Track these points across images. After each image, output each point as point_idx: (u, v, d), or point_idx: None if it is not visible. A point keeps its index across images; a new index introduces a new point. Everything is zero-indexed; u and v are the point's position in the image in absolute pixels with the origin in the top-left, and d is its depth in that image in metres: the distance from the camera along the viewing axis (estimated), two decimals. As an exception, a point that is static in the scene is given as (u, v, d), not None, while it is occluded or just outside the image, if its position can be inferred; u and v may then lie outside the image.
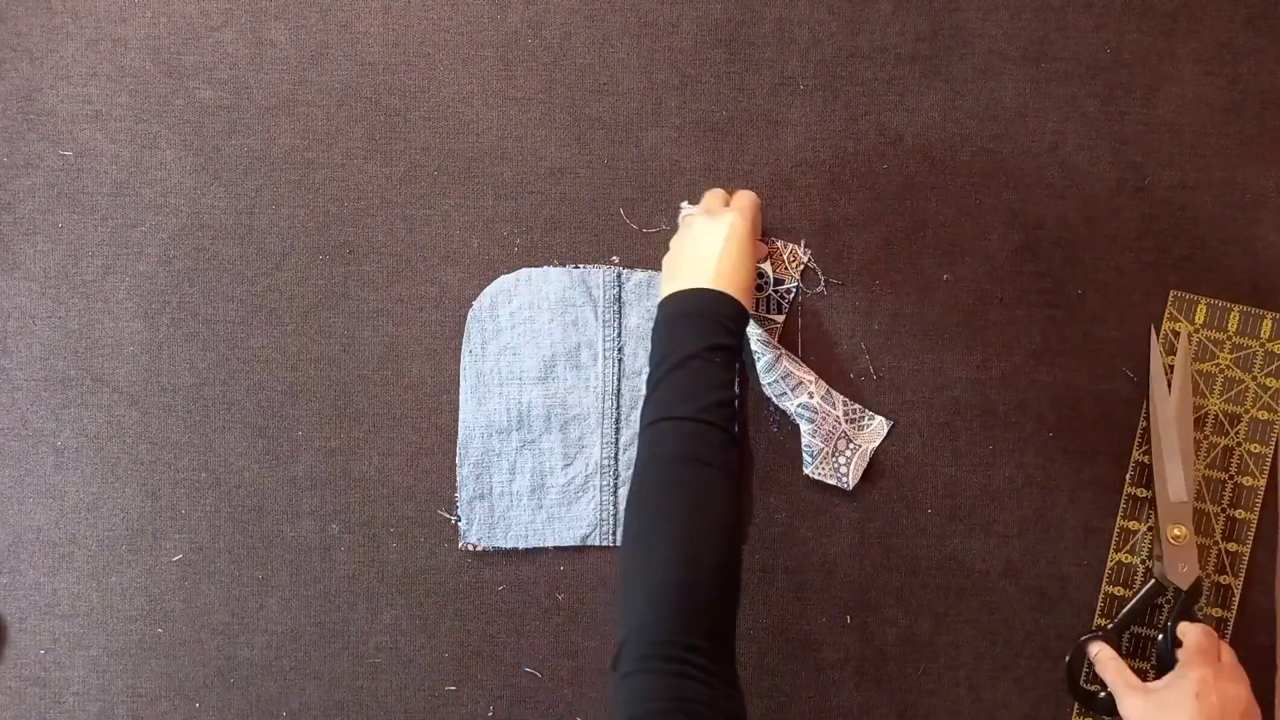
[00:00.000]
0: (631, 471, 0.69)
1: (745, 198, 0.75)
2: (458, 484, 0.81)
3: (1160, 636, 0.77)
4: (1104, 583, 0.79)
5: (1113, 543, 0.79)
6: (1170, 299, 0.80)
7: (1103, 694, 0.76)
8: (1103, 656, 0.76)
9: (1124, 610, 0.77)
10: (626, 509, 0.66)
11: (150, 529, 0.81)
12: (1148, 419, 0.79)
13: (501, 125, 0.82)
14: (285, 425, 0.81)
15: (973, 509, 0.80)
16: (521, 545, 0.80)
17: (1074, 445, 0.80)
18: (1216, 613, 0.79)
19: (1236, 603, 0.79)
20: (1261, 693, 0.79)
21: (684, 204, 0.81)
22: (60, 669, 0.80)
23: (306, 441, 0.81)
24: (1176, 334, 0.79)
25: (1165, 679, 0.72)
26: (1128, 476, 0.80)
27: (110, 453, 0.81)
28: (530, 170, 0.82)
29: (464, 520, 0.80)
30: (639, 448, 0.68)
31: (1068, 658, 0.78)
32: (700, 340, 0.67)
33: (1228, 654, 0.72)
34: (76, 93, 0.82)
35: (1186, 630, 0.74)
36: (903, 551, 0.80)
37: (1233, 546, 0.79)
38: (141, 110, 0.82)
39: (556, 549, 0.80)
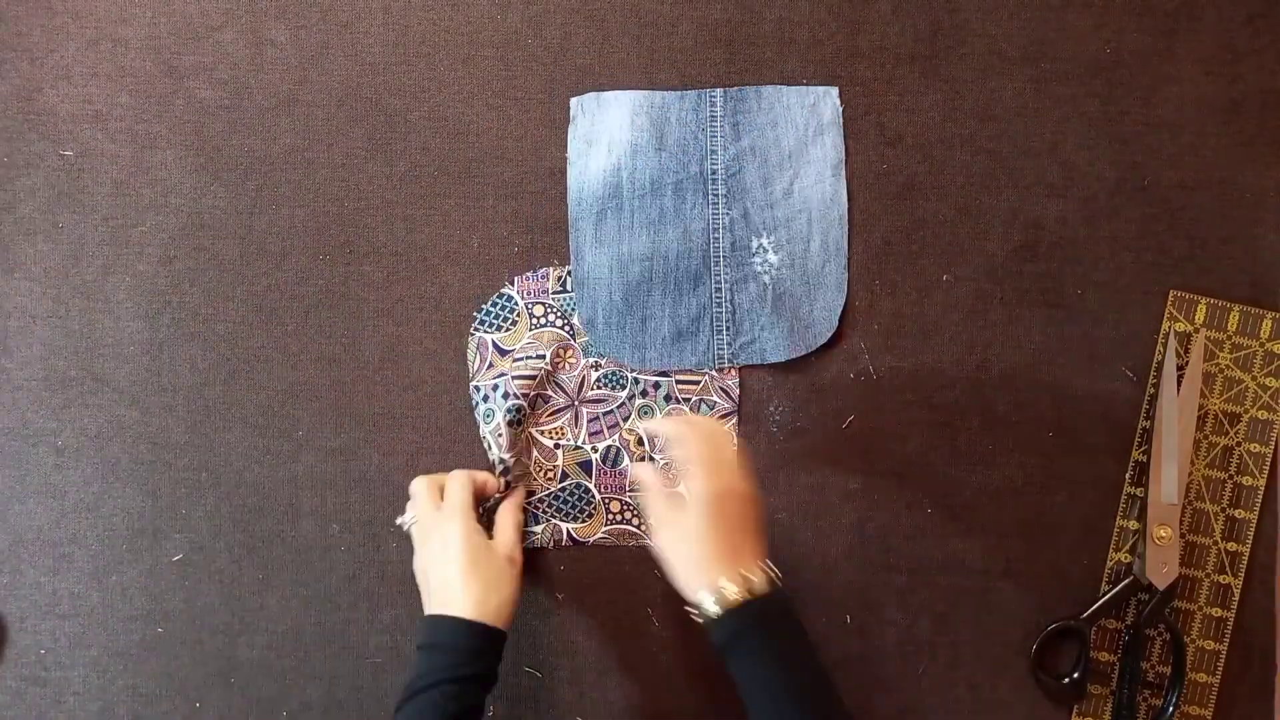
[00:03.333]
0: None
1: (455, 485, 0.72)
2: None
3: (1131, 633, 0.78)
4: (1104, 582, 0.79)
5: (1112, 542, 0.79)
6: (1170, 299, 0.80)
7: (1065, 681, 0.77)
8: (639, 474, 0.71)
9: (1096, 604, 0.78)
10: None
11: (151, 529, 0.81)
12: (1149, 419, 0.79)
13: (501, 125, 0.82)
14: (285, 425, 0.81)
15: (973, 509, 0.80)
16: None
17: (1074, 445, 0.80)
18: (1216, 612, 0.79)
19: (1236, 602, 0.79)
20: (1259, 692, 0.79)
21: (399, 519, 0.76)
22: (61, 669, 0.81)
23: (307, 441, 0.81)
24: (1187, 335, 0.79)
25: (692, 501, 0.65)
26: (1127, 476, 0.80)
27: (111, 453, 0.81)
28: (530, 170, 0.82)
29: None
30: None
31: (1034, 647, 0.78)
32: (440, 673, 0.65)
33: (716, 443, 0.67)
34: (77, 93, 0.82)
35: (681, 443, 0.66)
36: (903, 551, 0.80)
37: (1233, 546, 0.79)
38: (142, 110, 0.82)
39: (556, 549, 0.80)
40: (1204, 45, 0.81)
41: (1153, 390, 0.79)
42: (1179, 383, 0.78)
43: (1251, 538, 0.79)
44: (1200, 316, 0.80)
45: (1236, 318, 0.80)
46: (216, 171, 0.82)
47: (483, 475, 0.77)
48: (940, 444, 0.80)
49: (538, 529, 0.80)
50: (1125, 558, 0.79)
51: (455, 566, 0.68)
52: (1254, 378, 0.80)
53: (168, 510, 0.81)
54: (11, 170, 0.82)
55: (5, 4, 0.82)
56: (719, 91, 0.81)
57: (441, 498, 0.74)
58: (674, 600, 0.80)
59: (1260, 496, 0.79)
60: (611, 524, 0.80)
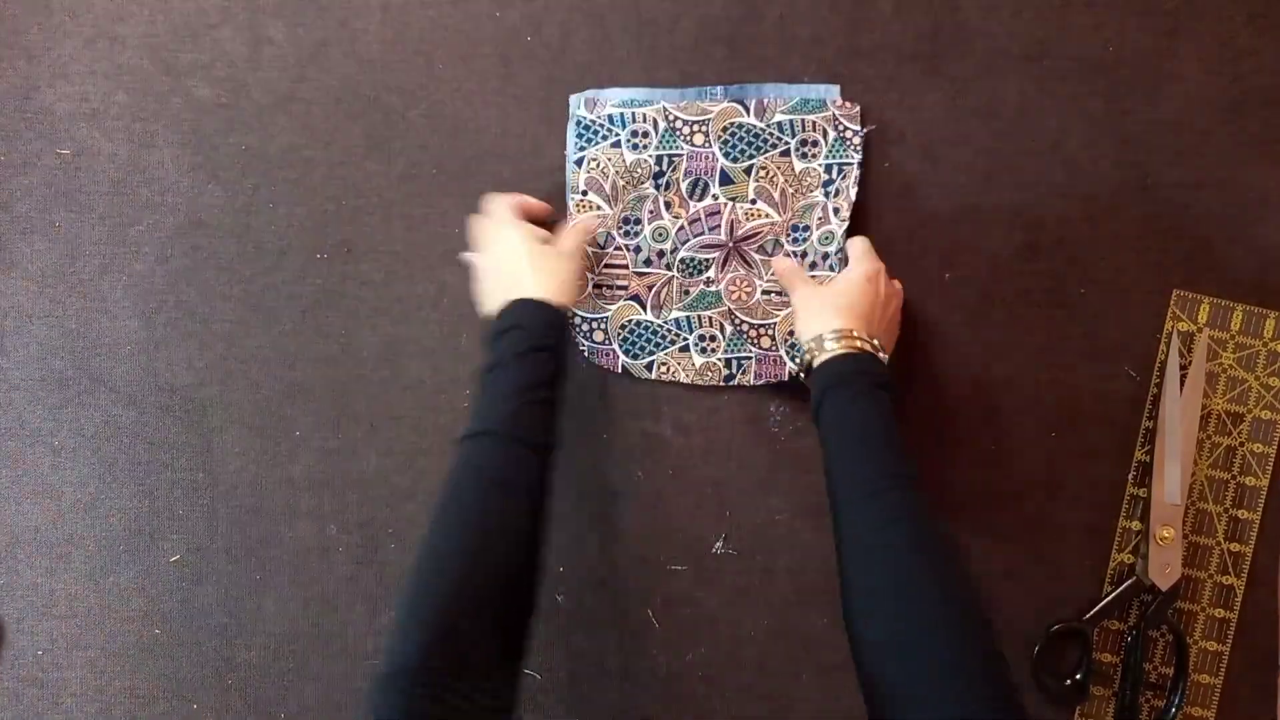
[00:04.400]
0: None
1: (497, 202, 0.77)
2: None
3: (1134, 634, 0.77)
4: (1106, 583, 0.79)
5: (1115, 543, 0.79)
6: (1173, 298, 0.80)
7: (1067, 683, 0.77)
8: (779, 265, 0.79)
9: (1099, 605, 0.77)
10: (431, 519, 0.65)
11: (148, 529, 0.80)
12: (1151, 419, 0.79)
13: (500, 123, 0.81)
14: (283, 425, 0.81)
15: (974, 510, 0.80)
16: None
17: (1076, 445, 0.80)
18: (1219, 613, 0.78)
19: (1239, 603, 0.78)
20: (1262, 693, 0.78)
21: (462, 255, 0.80)
22: (58, 670, 0.80)
23: (304, 442, 0.81)
24: (1190, 335, 0.79)
25: (839, 274, 0.77)
26: (1130, 477, 0.79)
27: (107, 453, 0.81)
28: (530, 170, 0.81)
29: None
30: (453, 460, 0.66)
31: (1036, 648, 0.78)
32: (516, 346, 0.68)
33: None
34: (74, 91, 0.82)
35: (853, 242, 0.77)
36: (904, 552, 0.79)
37: (1235, 547, 0.79)
38: (139, 108, 0.82)
39: (556, 550, 0.80)
40: (1206, 44, 0.80)
41: (1155, 390, 0.79)
42: (1182, 383, 0.78)
43: (1254, 538, 0.79)
44: (1203, 316, 0.80)
45: (1240, 317, 0.79)
46: (214, 170, 0.82)
47: (525, 198, 0.79)
48: (941, 444, 0.80)
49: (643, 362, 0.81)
50: (1128, 559, 0.79)
51: (522, 261, 0.73)
52: (1257, 377, 0.79)
53: (165, 511, 0.81)
54: (8, 169, 0.82)
55: (4, 3, 0.82)
56: (719, 89, 0.81)
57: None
58: (674, 600, 0.80)
59: (1263, 497, 0.79)
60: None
